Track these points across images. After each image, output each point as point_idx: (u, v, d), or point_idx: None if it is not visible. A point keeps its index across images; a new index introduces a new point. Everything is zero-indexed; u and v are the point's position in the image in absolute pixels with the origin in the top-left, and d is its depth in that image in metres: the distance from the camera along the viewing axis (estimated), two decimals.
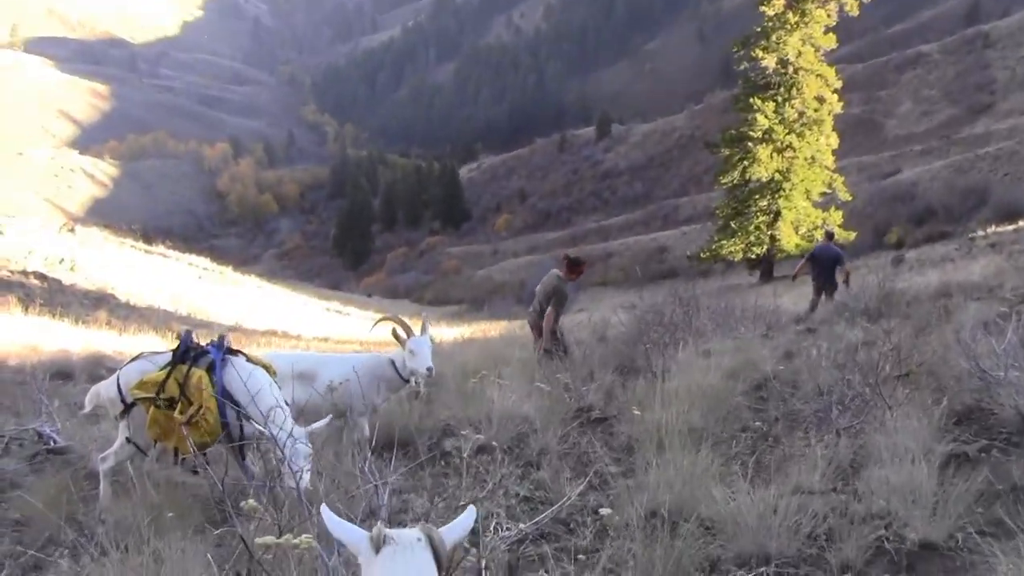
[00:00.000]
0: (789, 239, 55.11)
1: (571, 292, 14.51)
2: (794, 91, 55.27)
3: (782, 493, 6.21)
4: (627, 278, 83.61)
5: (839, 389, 8.84)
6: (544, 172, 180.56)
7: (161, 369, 7.49)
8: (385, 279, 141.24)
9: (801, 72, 55.24)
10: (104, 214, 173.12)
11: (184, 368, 7.40)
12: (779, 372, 11.29)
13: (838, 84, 56.80)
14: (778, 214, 55.58)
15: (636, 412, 8.47)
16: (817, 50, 55.81)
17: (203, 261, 71.43)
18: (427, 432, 9.30)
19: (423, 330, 9.30)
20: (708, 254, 58.94)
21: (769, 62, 55.24)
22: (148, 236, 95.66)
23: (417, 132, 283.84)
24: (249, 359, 7.76)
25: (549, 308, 13.81)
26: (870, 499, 6.29)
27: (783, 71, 55.53)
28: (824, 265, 22.45)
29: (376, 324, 10.02)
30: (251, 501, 4.80)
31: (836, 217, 55.75)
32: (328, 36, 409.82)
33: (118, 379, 7.82)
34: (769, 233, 55.94)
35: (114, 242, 63.84)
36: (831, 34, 55.99)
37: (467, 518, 3.25)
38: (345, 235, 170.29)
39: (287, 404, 7.32)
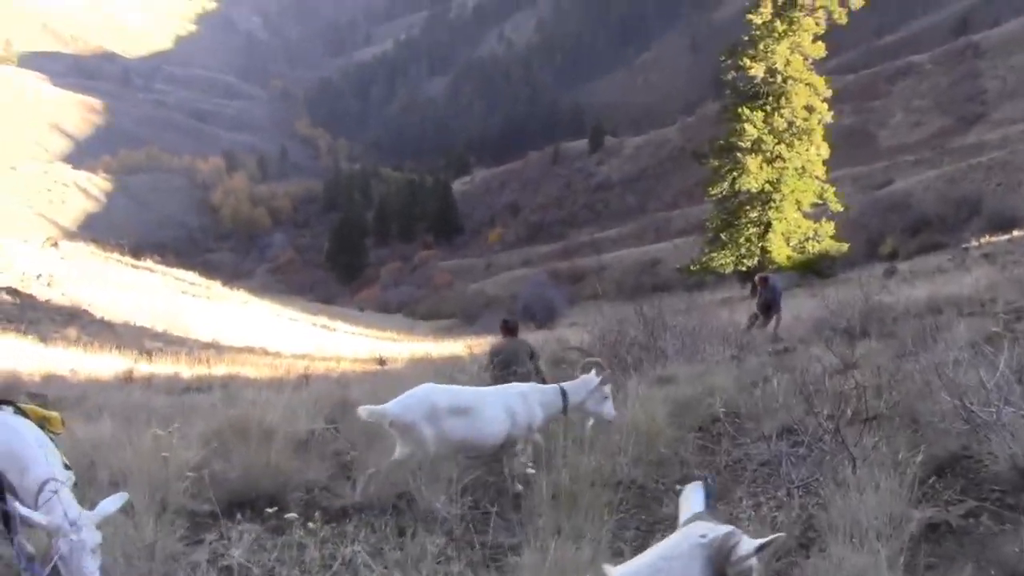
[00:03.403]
0: (780, 251, 53.86)
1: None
2: (783, 100, 54.12)
3: None
4: (620, 291, 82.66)
5: (797, 432, 7.48)
6: (537, 185, 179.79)
7: None
8: (378, 293, 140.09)
9: (790, 81, 54.07)
10: (97, 229, 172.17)
11: None
12: (738, 405, 9.92)
13: (828, 93, 55.69)
14: (768, 225, 54.36)
15: (530, 470, 7.12)
16: (806, 59, 54.64)
17: (190, 276, 70.61)
18: (303, 486, 7.81)
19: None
20: (698, 267, 57.85)
21: (757, 71, 54.11)
22: (139, 251, 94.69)
23: (410, 146, 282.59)
24: (20, 411, 6.13)
25: (539, 365, 12.80)
26: None
27: (771, 80, 54.38)
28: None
29: (585, 364, 9.30)
30: None
31: (828, 228, 54.67)
32: (321, 50, 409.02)
33: None
34: (760, 245, 54.72)
35: (99, 257, 63.07)
36: (820, 43, 54.85)
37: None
38: (338, 249, 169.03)
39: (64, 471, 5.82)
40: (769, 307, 21.99)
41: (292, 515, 5.80)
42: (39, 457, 5.59)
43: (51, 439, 5.93)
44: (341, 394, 13.61)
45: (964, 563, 5.09)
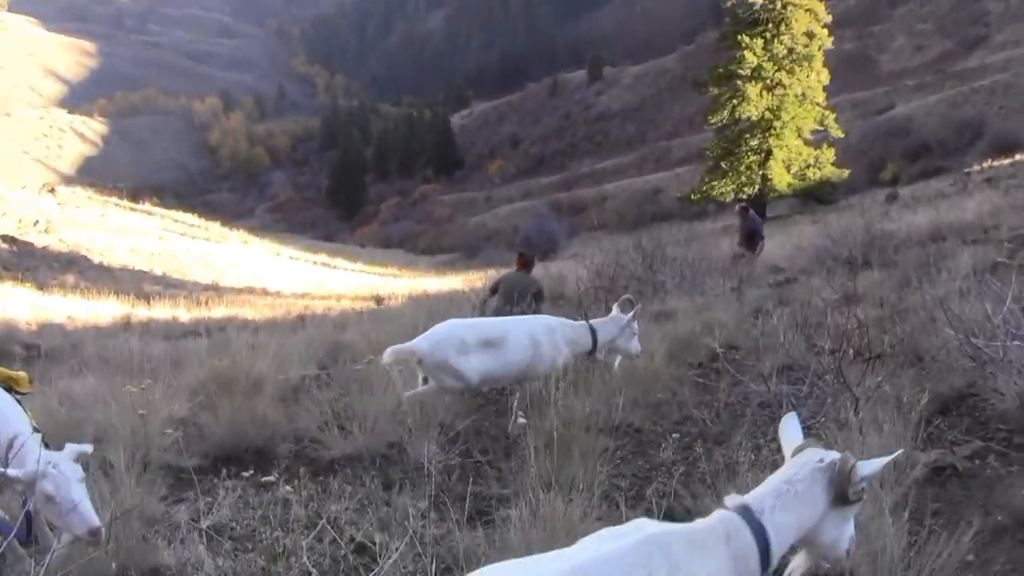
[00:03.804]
0: (781, 178, 53.69)
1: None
2: (783, 26, 53.66)
3: None
4: (621, 221, 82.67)
5: (797, 370, 7.24)
6: (536, 117, 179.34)
7: None
8: (379, 229, 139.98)
9: (790, 7, 53.56)
10: (95, 173, 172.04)
11: None
12: (737, 341, 9.72)
13: (828, 19, 55.23)
14: (769, 153, 54.14)
15: (522, 419, 6.90)
16: None
17: (189, 218, 70.43)
18: (292, 436, 7.54)
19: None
20: (699, 195, 57.53)
21: None
22: (137, 194, 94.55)
23: (408, 81, 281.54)
24: None
25: (541, 304, 12.50)
26: None
27: (771, 6, 53.85)
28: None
29: (622, 301, 9.13)
30: None
31: (829, 154, 54.46)
32: None
33: None
34: (760, 172, 54.53)
35: (98, 201, 62.76)
36: None
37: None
38: (338, 186, 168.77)
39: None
40: (752, 236, 21.66)
41: (269, 478, 5.64)
42: (8, 416, 5.42)
43: (18, 401, 5.73)
44: (335, 337, 13.36)
45: (971, 508, 4.89)
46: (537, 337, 8.14)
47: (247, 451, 6.93)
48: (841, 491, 3.41)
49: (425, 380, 7.97)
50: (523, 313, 11.41)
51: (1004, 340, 6.47)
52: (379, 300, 27.01)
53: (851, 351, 6.85)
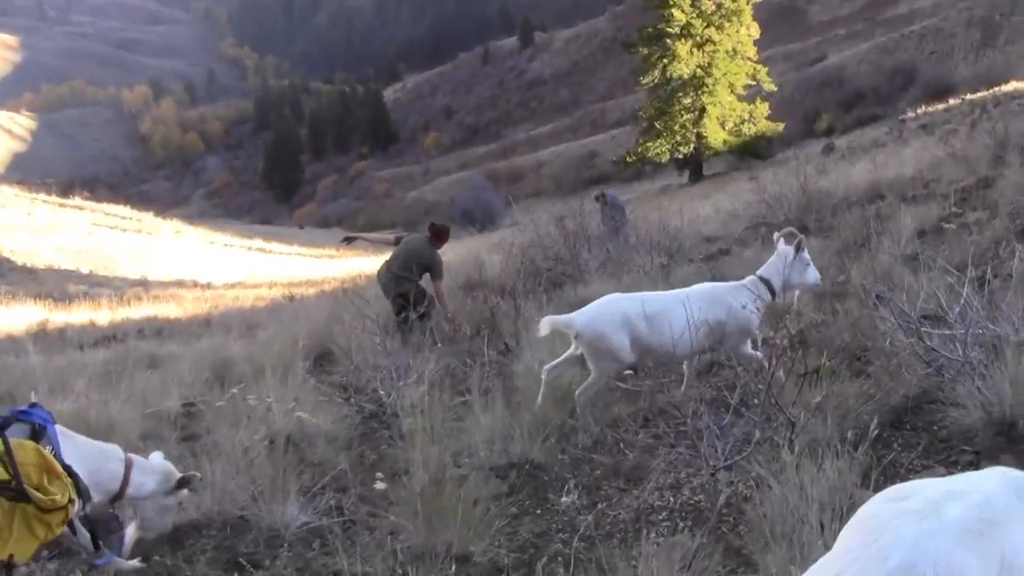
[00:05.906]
0: (716, 135, 53.39)
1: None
2: None
3: None
4: (559, 187, 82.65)
5: (723, 388, 6.28)
6: (469, 87, 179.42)
7: None
8: (317, 209, 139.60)
9: None
10: (26, 168, 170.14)
11: None
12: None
13: None
14: (703, 110, 53.87)
15: (380, 484, 5.80)
16: None
17: (121, 210, 68.92)
18: None
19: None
20: (634, 157, 57.05)
21: None
22: (69, 188, 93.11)
23: (339, 57, 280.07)
24: None
25: (437, 281, 11.92)
26: None
27: None
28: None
29: (785, 233, 8.26)
30: None
31: (763, 109, 54.26)
32: None
33: None
34: (695, 131, 54.13)
35: (24, 199, 61.07)
36: None
37: None
38: (273, 168, 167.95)
39: None
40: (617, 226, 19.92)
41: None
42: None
43: None
44: (225, 352, 12.11)
45: None
46: (703, 311, 7.32)
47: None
48: None
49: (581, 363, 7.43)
50: (407, 279, 11.39)
51: (965, 340, 5.46)
52: (291, 297, 25.86)
53: (780, 372, 5.70)
